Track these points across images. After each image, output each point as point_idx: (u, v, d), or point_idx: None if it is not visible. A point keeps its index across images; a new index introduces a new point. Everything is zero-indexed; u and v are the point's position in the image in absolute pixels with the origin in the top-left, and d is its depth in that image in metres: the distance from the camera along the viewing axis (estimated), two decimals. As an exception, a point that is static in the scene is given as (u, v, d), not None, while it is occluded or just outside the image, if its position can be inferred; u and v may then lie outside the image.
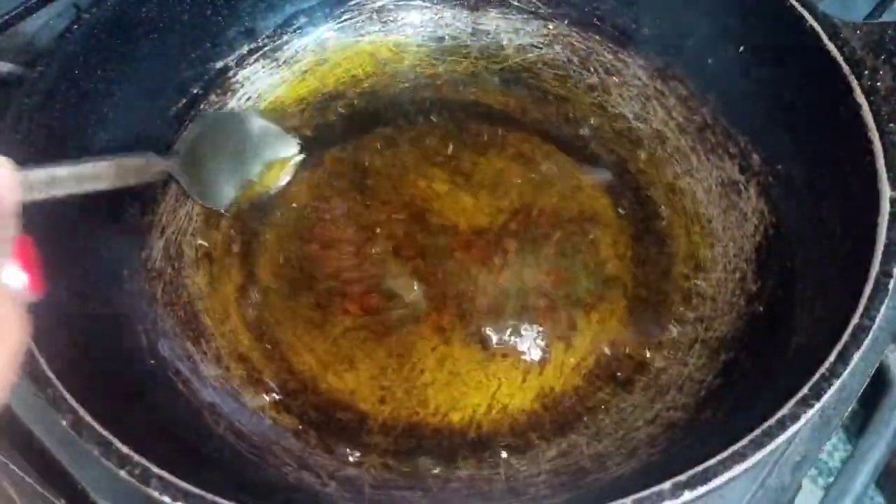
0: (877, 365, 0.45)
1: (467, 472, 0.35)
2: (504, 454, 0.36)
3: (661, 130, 0.45)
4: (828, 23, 0.38)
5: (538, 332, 0.40)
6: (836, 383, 0.27)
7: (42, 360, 0.29)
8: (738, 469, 0.25)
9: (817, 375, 0.27)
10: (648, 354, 0.39)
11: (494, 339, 0.40)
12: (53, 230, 0.33)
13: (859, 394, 0.45)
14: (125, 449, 0.27)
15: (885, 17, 0.48)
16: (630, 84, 0.46)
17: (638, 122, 0.46)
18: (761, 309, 0.37)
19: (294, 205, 0.45)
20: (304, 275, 0.42)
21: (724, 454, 0.26)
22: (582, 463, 0.35)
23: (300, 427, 0.37)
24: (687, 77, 0.45)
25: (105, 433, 0.27)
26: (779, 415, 0.27)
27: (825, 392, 0.27)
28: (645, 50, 0.46)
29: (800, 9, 0.38)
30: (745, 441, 0.26)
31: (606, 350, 0.39)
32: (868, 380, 0.45)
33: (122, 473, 0.26)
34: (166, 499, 0.26)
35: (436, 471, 0.36)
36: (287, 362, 0.39)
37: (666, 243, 0.42)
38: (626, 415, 0.37)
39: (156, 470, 0.26)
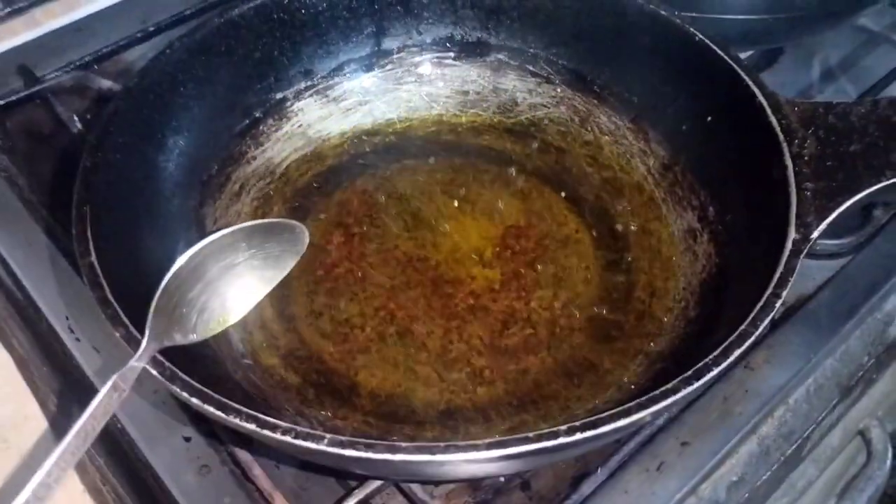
0: (825, 412, 0.51)
1: (432, 433, 0.43)
2: (465, 425, 0.43)
3: (640, 182, 0.53)
4: (774, 100, 0.45)
5: (515, 336, 0.47)
6: (715, 371, 0.34)
7: (108, 291, 0.38)
8: (622, 422, 0.32)
9: (700, 364, 0.34)
10: (599, 359, 0.46)
11: (474, 342, 0.47)
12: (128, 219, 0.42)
13: (803, 435, 0.51)
14: (160, 357, 0.35)
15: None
16: (619, 142, 0.55)
17: (622, 173, 0.54)
18: (695, 330, 0.44)
19: (323, 216, 0.54)
20: (325, 270, 0.51)
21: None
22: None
23: (302, 384, 0.45)
24: (665, 140, 0.53)
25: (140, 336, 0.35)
26: (664, 388, 0.34)
27: (704, 376, 0.34)
28: (633, 114, 0.54)
29: (753, 87, 0.46)
30: (633, 404, 0.33)
31: (567, 352, 0.46)
32: (815, 426, 0.51)
33: (154, 372, 0.34)
34: (184, 394, 0.34)
35: (407, 431, 0.43)
36: (300, 335, 0.47)
37: (631, 273, 0.49)
38: (571, 403, 0.44)
39: (181, 374, 0.34)
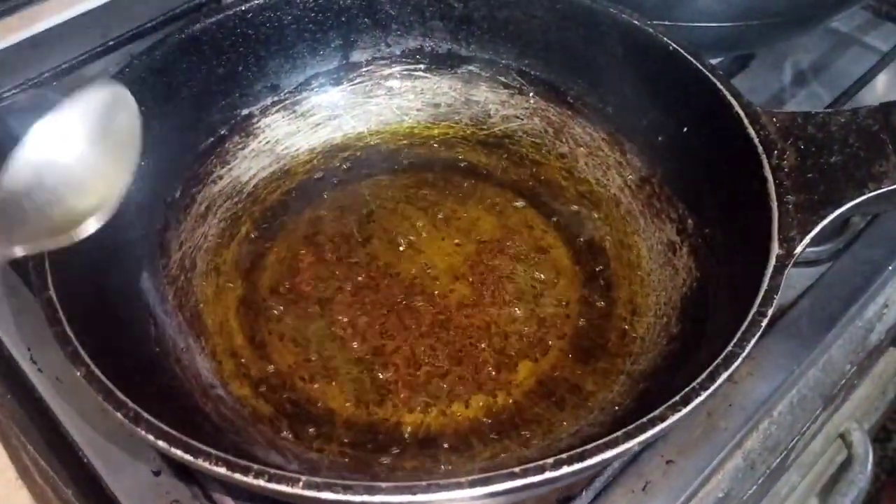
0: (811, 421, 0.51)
1: (412, 464, 0.41)
2: (445, 453, 0.42)
3: (616, 195, 0.52)
4: (751, 110, 0.45)
5: (493, 356, 0.46)
6: (703, 395, 0.33)
7: (67, 326, 0.36)
8: (610, 453, 0.31)
9: (687, 388, 0.33)
10: (582, 380, 0.44)
11: (450, 359, 0.46)
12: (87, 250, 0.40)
13: (788, 446, 0.50)
14: (122, 396, 0.33)
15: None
16: (594, 154, 0.54)
17: (598, 186, 0.53)
18: (678, 347, 0.43)
19: (296, 234, 0.52)
20: (296, 295, 0.49)
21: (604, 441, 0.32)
22: (510, 464, 0.40)
23: (275, 415, 0.43)
24: (641, 152, 0.52)
25: (108, 383, 0.34)
26: (651, 415, 0.33)
27: (691, 401, 0.33)
28: (608, 125, 0.53)
29: (729, 98, 0.45)
30: (620, 434, 0.32)
31: (547, 373, 0.45)
32: (799, 436, 0.51)
33: (119, 415, 0.33)
34: (150, 437, 0.32)
35: (386, 461, 0.41)
36: (272, 363, 0.46)
37: (611, 289, 0.48)
38: (554, 428, 0.42)
39: (145, 415, 0.33)
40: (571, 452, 0.31)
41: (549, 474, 0.31)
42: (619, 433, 0.32)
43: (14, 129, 0.58)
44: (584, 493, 0.43)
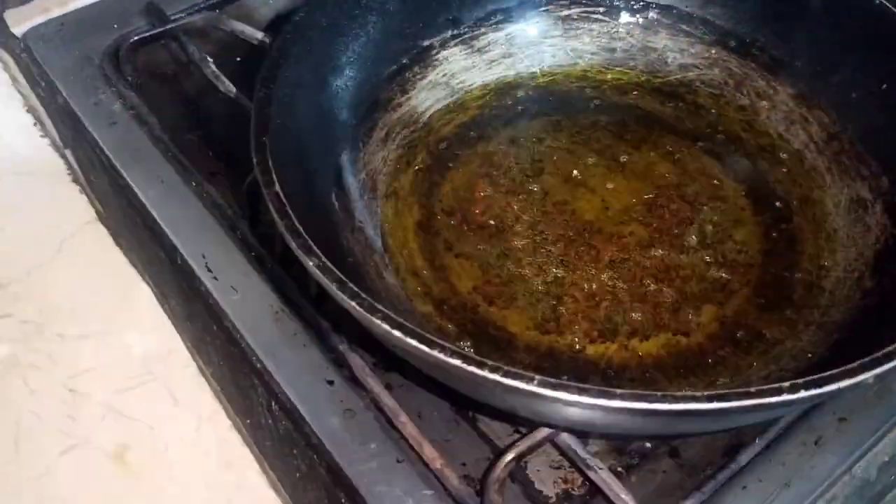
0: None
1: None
2: (630, 385, 0.42)
3: (800, 150, 0.51)
4: (968, 67, 0.43)
5: (673, 297, 0.46)
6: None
7: (295, 220, 0.37)
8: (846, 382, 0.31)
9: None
10: (769, 328, 0.44)
11: (631, 296, 0.46)
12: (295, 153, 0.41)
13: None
14: (353, 287, 0.34)
15: None
16: (778, 108, 0.53)
17: (781, 141, 0.52)
18: (874, 301, 0.42)
19: (470, 166, 0.52)
20: (471, 220, 0.50)
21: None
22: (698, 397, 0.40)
23: (459, 334, 0.44)
24: (830, 107, 0.50)
25: (340, 274, 0.34)
26: (887, 350, 0.32)
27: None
28: (795, 80, 0.52)
29: (944, 53, 0.44)
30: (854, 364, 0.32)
31: (731, 319, 0.45)
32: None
33: (354, 304, 0.33)
34: (386, 326, 0.33)
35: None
36: (452, 285, 0.46)
37: (795, 243, 0.48)
38: (741, 370, 0.42)
39: (379, 306, 0.33)
40: (808, 378, 0.31)
41: (786, 397, 0.30)
42: (855, 364, 0.31)
43: (187, 49, 0.60)
44: (756, 440, 0.42)
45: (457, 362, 0.32)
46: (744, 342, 0.44)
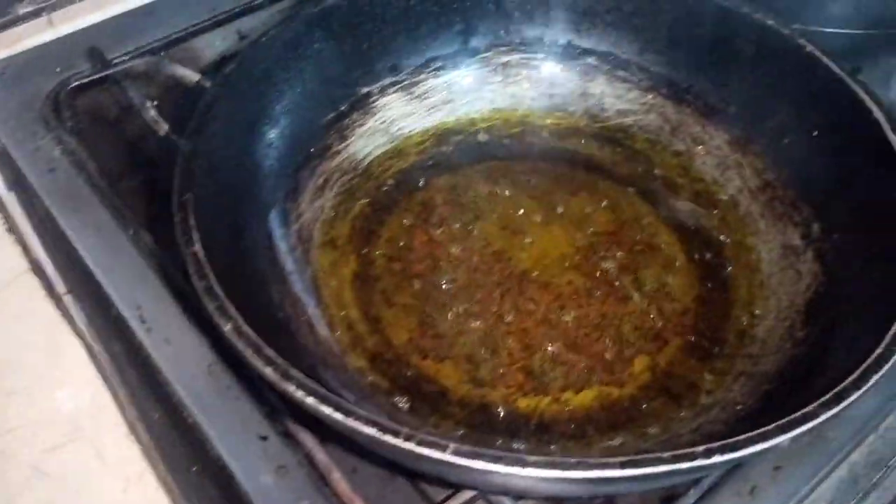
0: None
1: (528, 447, 0.41)
2: (561, 439, 0.42)
3: (735, 196, 0.52)
4: (892, 117, 0.44)
5: (607, 347, 0.46)
6: (856, 394, 0.33)
7: (214, 282, 0.36)
8: (761, 445, 0.31)
9: (839, 388, 0.33)
10: (699, 379, 0.44)
11: (565, 347, 0.46)
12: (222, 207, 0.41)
13: (888, 464, 0.49)
14: (271, 352, 0.34)
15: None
16: (713, 154, 0.53)
17: (716, 186, 0.52)
18: (804, 352, 0.43)
19: (409, 214, 0.52)
20: (409, 273, 0.49)
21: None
22: (628, 453, 0.40)
23: (391, 389, 0.44)
24: (764, 153, 0.51)
25: (256, 338, 0.34)
26: (805, 411, 0.32)
27: (844, 399, 0.32)
28: (729, 125, 0.53)
29: (869, 103, 0.45)
30: (770, 426, 0.32)
31: (663, 369, 0.45)
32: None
33: (268, 371, 0.33)
34: (300, 394, 0.32)
35: (500, 443, 0.41)
36: (387, 337, 0.46)
37: (729, 290, 0.48)
38: (671, 422, 0.42)
39: (294, 371, 0.33)
40: (724, 442, 0.31)
41: (699, 462, 0.30)
42: (772, 426, 0.31)
43: (127, 93, 0.60)
44: (690, 492, 0.42)
45: (371, 431, 0.31)
46: (675, 393, 0.43)
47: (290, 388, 0.32)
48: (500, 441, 0.42)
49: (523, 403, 0.44)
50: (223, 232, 0.42)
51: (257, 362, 0.33)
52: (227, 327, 0.34)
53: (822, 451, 0.45)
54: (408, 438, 0.31)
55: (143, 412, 0.48)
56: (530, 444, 0.41)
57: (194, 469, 0.45)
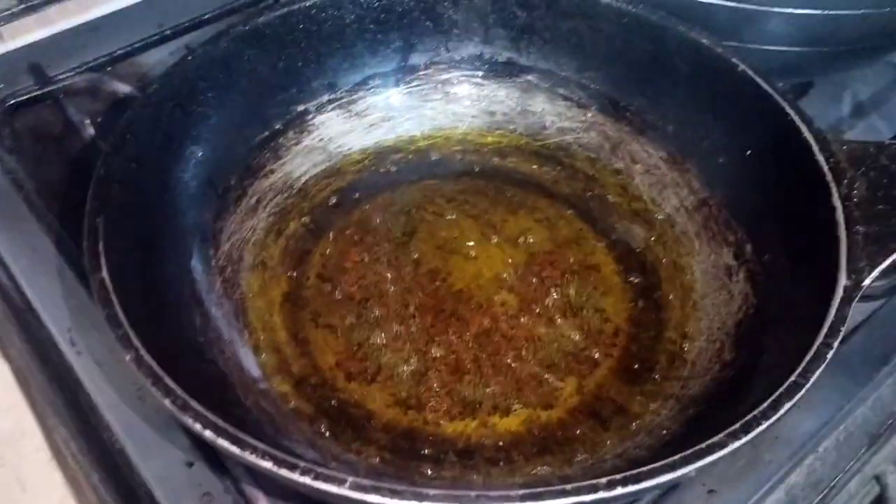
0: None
1: (451, 473, 0.40)
2: (485, 464, 0.41)
3: (671, 215, 0.51)
4: (821, 138, 0.43)
5: (537, 370, 0.45)
6: (765, 425, 0.32)
7: (119, 309, 0.35)
8: (666, 477, 0.30)
9: (748, 417, 0.32)
10: (628, 402, 0.43)
11: (494, 369, 0.45)
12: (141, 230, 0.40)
13: (830, 484, 0.48)
14: (171, 383, 0.33)
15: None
16: (651, 172, 0.53)
17: (653, 206, 0.52)
18: (730, 375, 0.42)
19: (344, 233, 0.52)
20: (341, 294, 0.48)
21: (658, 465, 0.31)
22: (551, 481, 0.39)
23: (315, 414, 0.43)
24: (700, 172, 0.51)
25: (157, 369, 0.33)
26: (711, 441, 0.31)
27: (752, 430, 0.32)
28: (667, 143, 0.52)
29: (799, 123, 0.44)
30: (676, 457, 0.31)
31: (593, 392, 0.44)
32: (842, 474, 0.49)
33: (167, 402, 0.32)
34: (198, 426, 0.31)
35: (423, 468, 0.41)
36: (314, 360, 0.45)
37: (661, 311, 0.47)
38: (598, 447, 0.41)
39: (193, 403, 0.32)
40: (627, 473, 0.30)
41: (602, 494, 0.30)
42: (677, 457, 0.31)
43: (69, 111, 0.59)
44: (622, 517, 0.42)
45: (267, 465, 0.30)
46: (603, 416, 0.43)
47: (188, 420, 0.32)
48: (423, 467, 0.41)
49: (450, 428, 0.43)
50: (140, 255, 0.41)
51: (156, 393, 0.32)
52: (127, 357, 0.33)
53: (757, 473, 0.44)
54: (304, 473, 0.30)
55: (68, 437, 0.47)
56: (454, 471, 0.41)
57: (119, 496, 0.44)
